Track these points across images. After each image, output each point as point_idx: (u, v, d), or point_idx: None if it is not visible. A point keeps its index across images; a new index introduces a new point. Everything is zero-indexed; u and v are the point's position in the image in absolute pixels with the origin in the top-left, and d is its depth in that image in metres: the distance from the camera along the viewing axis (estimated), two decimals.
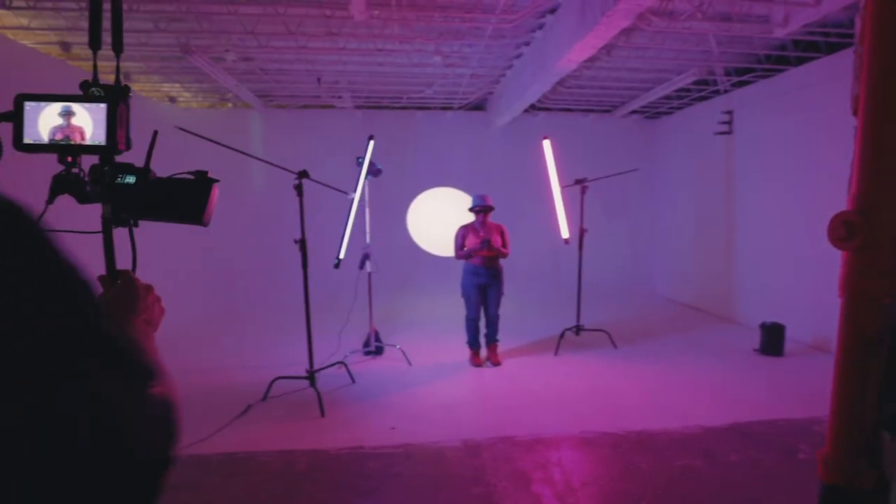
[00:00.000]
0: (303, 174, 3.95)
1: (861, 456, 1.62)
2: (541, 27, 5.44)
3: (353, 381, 4.62)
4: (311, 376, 4.09)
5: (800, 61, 5.94)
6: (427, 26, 5.36)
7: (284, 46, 5.75)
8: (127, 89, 1.04)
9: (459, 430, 3.60)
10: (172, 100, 7.93)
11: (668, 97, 7.93)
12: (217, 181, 1.18)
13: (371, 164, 5.22)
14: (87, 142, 1.01)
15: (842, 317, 1.65)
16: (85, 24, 4.19)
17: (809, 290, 5.47)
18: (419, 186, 8.13)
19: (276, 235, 5.19)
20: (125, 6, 4.63)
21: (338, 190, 4.78)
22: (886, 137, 1.25)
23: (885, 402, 1.43)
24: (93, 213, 1.10)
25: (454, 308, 5.81)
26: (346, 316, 5.43)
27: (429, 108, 8.90)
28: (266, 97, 8.10)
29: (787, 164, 6.14)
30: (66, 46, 5.34)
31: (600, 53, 5.92)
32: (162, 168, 1.17)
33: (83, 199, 1.04)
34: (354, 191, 4.94)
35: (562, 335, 5.69)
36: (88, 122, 1.01)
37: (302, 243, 4.04)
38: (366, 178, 5.15)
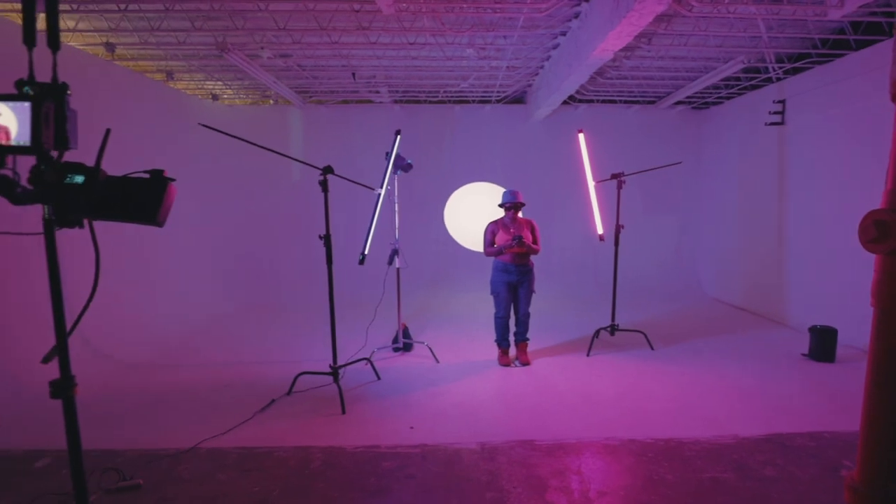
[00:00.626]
0: (327, 170, 3.91)
1: (894, 481, 1.45)
2: (577, 16, 5.25)
3: (379, 377, 4.60)
4: (334, 372, 4.08)
5: (860, 45, 5.50)
6: (457, 18, 5.26)
7: (318, 42, 5.79)
8: (64, 87, 1.00)
9: (479, 431, 3.52)
10: (215, 97, 8.12)
11: (715, 86, 7.55)
12: (173, 180, 1.14)
13: (401, 158, 5.17)
14: (12, 142, 0.98)
15: (874, 327, 1.48)
16: (127, 24, 4.28)
17: (865, 292, 5.07)
18: (457, 181, 8.04)
19: (309, 230, 5.23)
20: (161, 6, 4.74)
21: (364, 185, 4.75)
22: None
23: None
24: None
25: (486, 304, 5.71)
26: (374, 312, 5.45)
27: (467, 102, 8.81)
28: (305, 93, 8.18)
29: (844, 157, 5.73)
30: (110, 47, 5.52)
31: (639, 42, 5.69)
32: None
33: (15, 200, 1.01)
34: (381, 186, 4.89)
35: (595, 335, 5.50)
36: (13, 121, 0.98)
37: (326, 239, 4.02)
38: (394, 172, 5.11)
